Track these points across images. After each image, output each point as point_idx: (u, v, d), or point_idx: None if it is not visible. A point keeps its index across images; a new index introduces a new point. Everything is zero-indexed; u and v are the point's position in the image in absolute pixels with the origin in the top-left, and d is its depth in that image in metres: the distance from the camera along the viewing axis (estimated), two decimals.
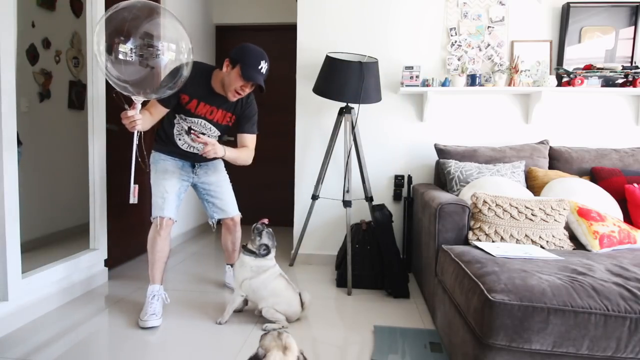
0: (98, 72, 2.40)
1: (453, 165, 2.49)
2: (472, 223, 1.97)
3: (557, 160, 2.58)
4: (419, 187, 2.65)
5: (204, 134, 2.12)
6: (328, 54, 2.56)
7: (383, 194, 2.99)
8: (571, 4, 2.70)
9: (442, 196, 2.09)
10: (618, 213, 2.15)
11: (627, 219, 2.19)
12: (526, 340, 1.26)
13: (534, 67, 2.78)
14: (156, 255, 2.06)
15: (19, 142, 1.93)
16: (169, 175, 2.11)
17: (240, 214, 2.41)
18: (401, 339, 1.83)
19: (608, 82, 2.63)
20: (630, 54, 2.72)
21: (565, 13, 2.72)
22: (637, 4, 2.68)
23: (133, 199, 1.64)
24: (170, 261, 3.01)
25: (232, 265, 2.40)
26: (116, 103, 2.76)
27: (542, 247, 1.86)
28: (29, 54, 2.94)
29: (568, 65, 2.71)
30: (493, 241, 1.88)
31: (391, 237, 2.47)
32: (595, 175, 2.42)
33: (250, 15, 4.14)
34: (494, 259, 1.57)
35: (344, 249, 2.66)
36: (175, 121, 2.09)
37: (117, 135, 2.69)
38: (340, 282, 2.54)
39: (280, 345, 1.07)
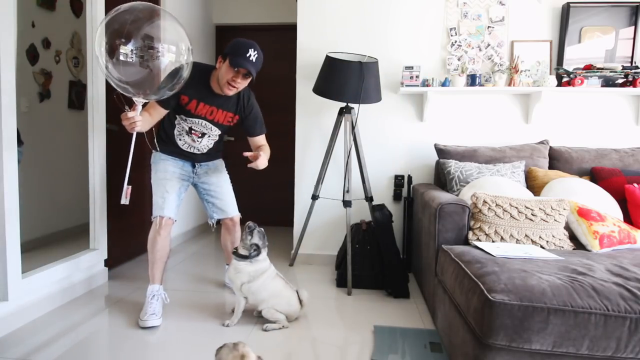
0: (98, 72, 2.40)
1: (453, 165, 2.49)
2: (472, 223, 1.97)
3: (557, 160, 2.58)
4: (419, 187, 2.65)
5: (205, 134, 2.12)
6: (328, 54, 2.56)
7: (383, 194, 2.99)
8: (571, 4, 2.70)
9: (442, 196, 2.09)
10: (618, 213, 2.16)
11: (627, 219, 2.19)
12: (526, 340, 1.26)
13: (534, 67, 2.78)
14: (156, 254, 2.06)
15: (21, 142, 1.93)
16: (169, 175, 2.12)
17: (239, 214, 2.41)
18: (401, 339, 1.83)
19: (608, 82, 2.63)
20: (630, 54, 2.72)
21: (565, 13, 2.72)
22: (637, 4, 2.68)
23: (125, 199, 1.65)
24: (170, 261, 3.01)
25: None
26: (116, 103, 2.76)
27: (542, 247, 1.86)
28: (29, 54, 2.94)
29: (568, 65, 2.71)
30: (493, 241, 1.88)
31: (391, 237, 2.47)
32: (595, 175, 2.42)
33: (250, 15, 4.14)
34: (494, 259, 1.57)
35: (344, 249, 2.66)
36: (176, 122, 2.09)
37: (117, 135, 2.69)
38: (340, 282, 2.54)
39: (236, 356, 1.06)
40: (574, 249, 1.90)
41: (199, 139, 2.13)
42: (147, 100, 1.65)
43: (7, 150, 1.76)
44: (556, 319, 1.24)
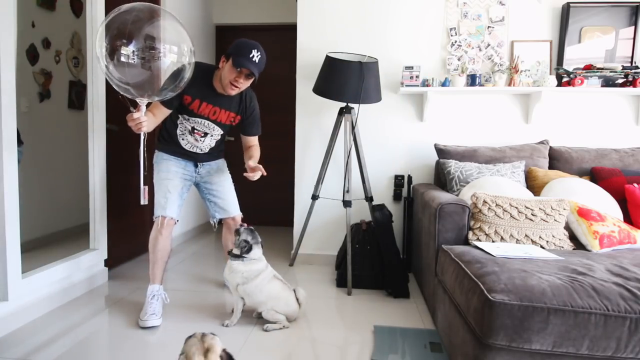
0: (98, 72, 2.40)
1: (453, 165, 2.49)
2: (472, 223, 1.97)
3: (557, 160, 2.58)
4: (419, 187, 2.65)
5: (207, 133, 2.12)
6: (328, 54, 2.56)
7: (383, 194, 2.99)
8: (571, 4, 2.70)
9: (442, 196, 2.09)
10: (618, 213, 2.16)
11: (627, 219, 2.19)
12: (526, 340, 1.26)
13: (534, 67, 2.78)
14: (157, 254, 2.06)
15: (21, 142, 1.93)
16: (172, 174, 2.11)
17: (241, 213, 2.41)
18: (401, 339, 1.83)
19: (608, 82, 2.63)
20: (630, 54, 2.72)
21: (565, 13, 2.72)
22: (637, 4, 2.68)
23: (143, 200, 1.64)
24: (170, 261, 3.01)
25: None
26: (116, 103, 2.76)
27: (542, 247, 1.86)
28: (29, 54, 2.94)
29: (568, 65, 2.71)
30: (493, 241, 1.88)
31: (391, 237, 2.47)
32: (595, 175, 2.42)
33: (250, 15, 4.14)
34: (494, 259, 1.57)
35: (344, 249, 2.66)
36: (179, 121, 2.09)
37: (117, 135, 2.69)
38: (340, 282, 2.54)
39: (201, 348, 1.05)
40: (574, 249, 1.90)
41: (202, 138, 2.13)
42: (150, 101, 1.64)
43: (7, 150, 1.76)
44: (556, 319, 1.24)
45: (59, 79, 3.22)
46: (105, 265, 2.55)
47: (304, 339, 1.86)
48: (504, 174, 2.39)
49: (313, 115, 3.00)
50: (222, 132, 2.18)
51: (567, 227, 2.00)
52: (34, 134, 3.01)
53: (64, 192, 3.29)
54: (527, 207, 1.92)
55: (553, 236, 1.90)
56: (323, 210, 3.03)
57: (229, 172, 2.42)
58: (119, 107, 2.78)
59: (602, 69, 2.59)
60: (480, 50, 2.81)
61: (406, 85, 2.71)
